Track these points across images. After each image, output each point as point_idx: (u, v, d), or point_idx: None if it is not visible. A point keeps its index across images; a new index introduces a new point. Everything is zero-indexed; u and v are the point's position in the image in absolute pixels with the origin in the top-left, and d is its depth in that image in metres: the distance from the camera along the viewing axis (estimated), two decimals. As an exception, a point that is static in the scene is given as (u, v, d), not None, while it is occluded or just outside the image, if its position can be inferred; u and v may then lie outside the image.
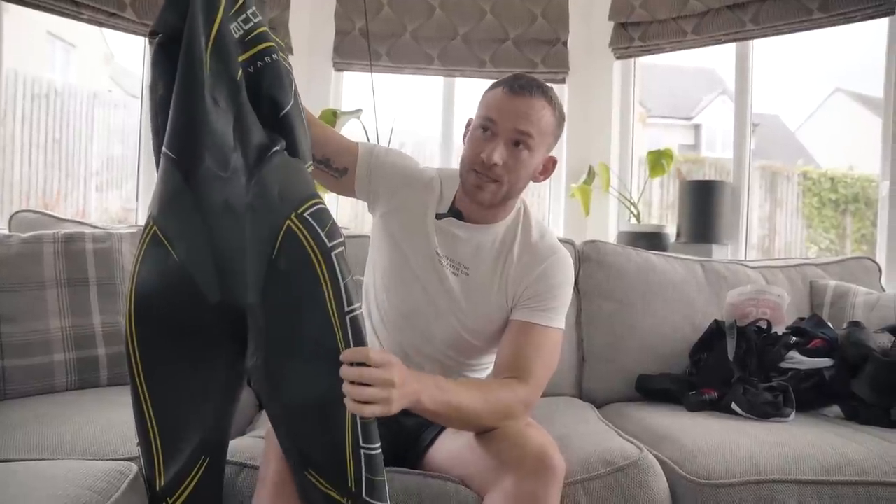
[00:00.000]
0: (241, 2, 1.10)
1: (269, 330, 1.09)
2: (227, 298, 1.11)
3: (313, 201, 1.08)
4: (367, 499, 1.04)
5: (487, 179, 1.32)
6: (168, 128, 1.07)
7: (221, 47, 1.07)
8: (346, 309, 1.04)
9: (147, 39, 1.13)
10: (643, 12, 2.97)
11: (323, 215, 1.08)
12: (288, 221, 1.06)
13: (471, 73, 3.19)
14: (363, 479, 1.04)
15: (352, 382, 1.01)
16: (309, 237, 1.05)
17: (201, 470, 1.15)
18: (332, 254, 1.05)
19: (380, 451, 1.05)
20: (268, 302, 1.08)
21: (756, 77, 2.99)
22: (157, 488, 1.15)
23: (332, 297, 1.04)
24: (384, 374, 1.03)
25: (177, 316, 1.12)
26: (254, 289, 1.08)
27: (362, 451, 1.04)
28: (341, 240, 1.07)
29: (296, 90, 1.16)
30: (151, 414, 1.13)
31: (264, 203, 1.07)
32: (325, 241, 1.05)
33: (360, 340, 1.04)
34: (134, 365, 1.13)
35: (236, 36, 1.09)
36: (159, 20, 1.09)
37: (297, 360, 1.07)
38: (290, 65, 1.18)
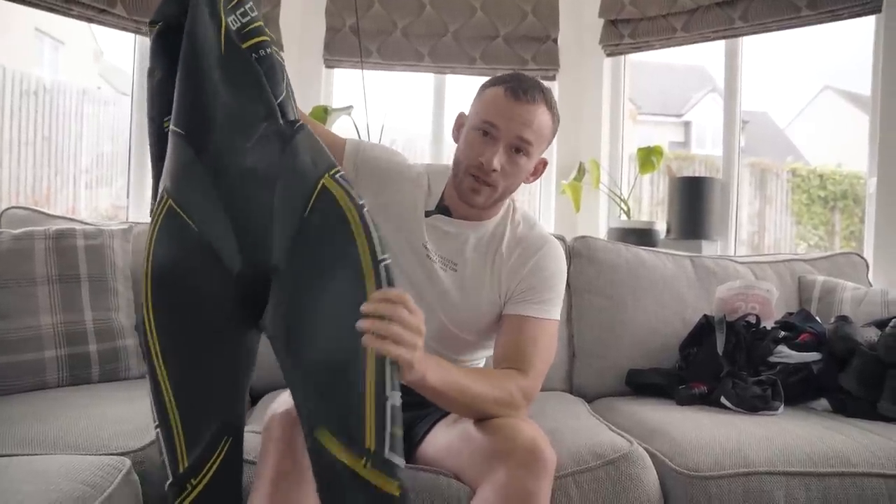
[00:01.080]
0: None
1: (294, 285, 1.10)
2: (249, 267, 1.12)
3: (338, 167, 1.13)
4: (389, 455, 0.99)
5: (484, 184, 1.32)
6: (175, 106, 1.11)
7: (230, 33, 1.12)
8: (380, 258, 1.06)
9: (147, 28, 1.16)
10: (633, 9, 2.98)
11: (348, 179, 1.13)
12: (323, 180, 1.10)
13: (461, 70, 3.20)
14: (387, 433, 0.99)
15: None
16: (343, 194, 1.10)
17: (224, 450, 1.14)
18: (364, 210, 1.09)
19: (401, 402, 1.02)
20: (295, 258, 1.10)
21: (746, 75, 3.01)
22: (181, 471, 1.13)
23: (365, 247, 1.07)
24: (416, 321, 1.03)
25: (196, 289, 1.13)
26: (280, 249, 1.10)
27: (388, 403, 1.00)
28: (364, 201, 1.11)
29: (288, 84, 1.19)
30: (171, 395, 1.12)
31: (297, 166, 1.12)
32: (357, 198, 1.10)
33: (393, 286, 1.06)
34: (152, 345, 1.13)
35: (234, 28, 1.13)
36: (159, 11, 1.14)
37: (321, 312, 1.08)
38: (282, 59, 1.20)
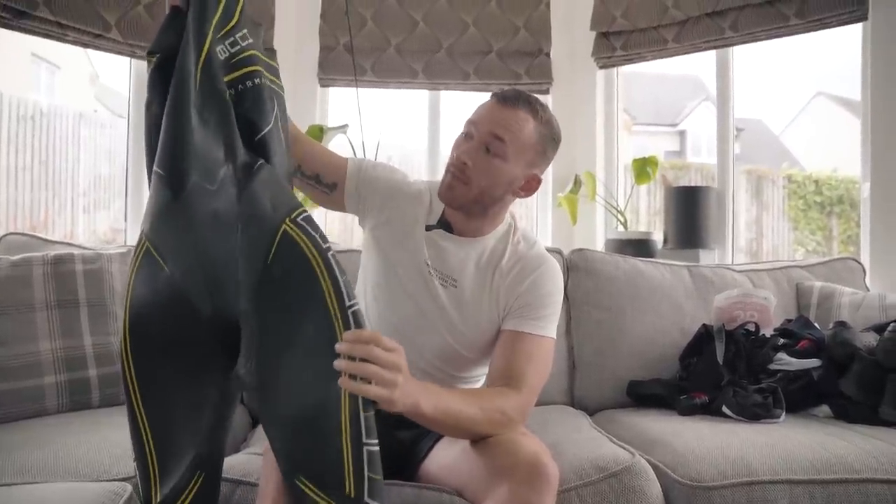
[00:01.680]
0: (230, 25, 1.12)
1: (263, 335, 1.10)
2: (219, 311, 1.11)
3: (302, 209, 1.11)
4: (368, 500, 1.01)
5: (458, 179, 1.35)
6: (159, 145, 1.09)
7: (211, 66, 1.10)
8: (348, 304, 1.05)
9: (146, 59, 1.14)
10: (624, 22, 3.00)
11: (313, 221, 1.11)
12: (284, 226, 1.08)
13: (455, 86, 3.21)
14: (365, 479, 1.01)
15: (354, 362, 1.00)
16: (306, 239, 1.08)
17: (197, 485, 1.15)
18: (329, 253, 1.07)
19: (378, 447, 1.04)
20: (261, 308, 1.09)
21: (739, 83, 3.02)
22: None
23: (332, 294, 1.05)
24: (393, 357, 1.03)
25: (170, 331, 1.13)
26: (246, 297, 1.09)
27: (365, 449, 1.02)
28: (330, 244, 1.10)
29: (281, 112, 1.18)
30: (148, 430, 1.13)
31: (257, 212, 1.09)
32: (321, 242, 1.08)
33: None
34: (129, 381, 1.13)
35: (222, 58, 1.11)
36: (157, 41, 1.11)
37: (292, 364, 1.08)
38: (280, 87, 1.19)
